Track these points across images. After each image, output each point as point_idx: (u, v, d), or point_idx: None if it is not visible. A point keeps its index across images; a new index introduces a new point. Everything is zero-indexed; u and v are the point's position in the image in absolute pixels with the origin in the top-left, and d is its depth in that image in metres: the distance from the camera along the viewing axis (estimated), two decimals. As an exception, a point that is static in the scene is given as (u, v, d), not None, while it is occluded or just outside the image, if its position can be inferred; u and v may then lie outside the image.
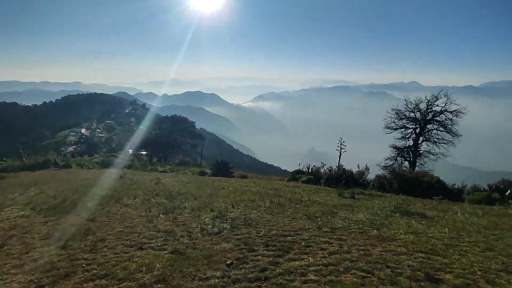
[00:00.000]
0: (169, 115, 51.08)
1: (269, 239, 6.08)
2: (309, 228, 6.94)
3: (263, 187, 15.44)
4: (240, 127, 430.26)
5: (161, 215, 8.20)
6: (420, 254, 5.18)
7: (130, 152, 42.75)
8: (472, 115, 25.95)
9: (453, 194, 15.98)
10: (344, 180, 18.11)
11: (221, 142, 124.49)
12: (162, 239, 6.17)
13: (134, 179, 16.08)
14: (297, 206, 10.00)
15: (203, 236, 6.33)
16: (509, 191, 14.81)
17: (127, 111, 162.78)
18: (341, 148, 30.43)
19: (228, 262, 4.92)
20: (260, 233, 6.47)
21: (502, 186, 15.30)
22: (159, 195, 11.25)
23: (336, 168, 20.41)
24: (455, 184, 18.42)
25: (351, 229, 7.01)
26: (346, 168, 20.13)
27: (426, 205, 12.14)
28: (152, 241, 6.07)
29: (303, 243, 5.81)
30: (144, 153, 43.44)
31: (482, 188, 15.93)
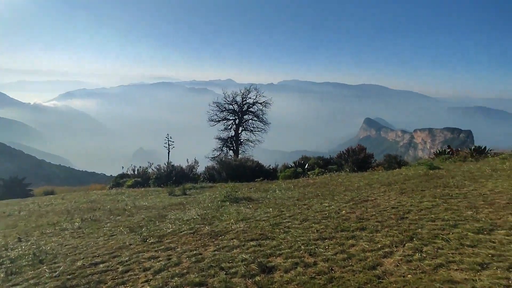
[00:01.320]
0: None
1: (69, 276, 4.36)
2: (130, 244, 5.60)
3: (75, 202, 12.43)
4: (43, 132, 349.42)
5: None
6: (251, 243, 4.97)
7: None
8: (274, 106, 31.02)
9: (270, 174, 18.28)
10: (174, 177, 17.29)
11: (17, 153, 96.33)
12: None
13: None
14: (119, 217, 8.30)
15: None
16: (307, 165, 18.41)
17: None
18: (169, 145, 29.47)
19: None
20: (56, 271, 4.60)
21: (302, 162, 18.82)
22: None
23: (165, 166, 19.29)
24: (270, 165, 21.24)
25: (182, 231, 6.20)
26: (175, 165, 19.37)
27: (251, 188, 13.06)
28: None
29: (120, 268, 4.48)
30: None
31: (290, 165, 19.06)
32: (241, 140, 29.80)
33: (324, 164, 18.91)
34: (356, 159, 18.02)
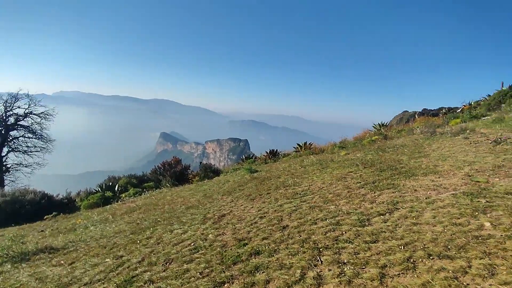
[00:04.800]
0: None
1: None
2: None
3: None
4: None
5: None
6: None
7: None
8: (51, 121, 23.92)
9: (66, 206, 13.83)
10: None
11: None
12: None
13: None
14: None
15: None
16: (117, 186, 15.30)
17: None
18: None
19: None
20: None
21: (111, 183, 15.48)
22: None
23: None
24: (59, 194, 16.33)
25: None
26: None
27: (43, 231, 9.07)
28: None
29: None
30: None
31: (93, 190, 15.19)
32: (9, 166, 21.44)
33: (138, 183, 16.47)
34: (174, 173, 16.90)
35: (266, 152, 19.40)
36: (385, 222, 4.19)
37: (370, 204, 5.06)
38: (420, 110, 28.95)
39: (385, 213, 4.51)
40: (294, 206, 5.77)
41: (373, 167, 8.03)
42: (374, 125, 22.01)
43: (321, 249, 3.69)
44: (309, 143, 18.98)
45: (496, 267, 2.74)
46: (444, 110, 25.81)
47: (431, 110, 28.10)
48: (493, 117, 13.37)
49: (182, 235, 5.45)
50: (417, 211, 4.37)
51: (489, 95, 19.70)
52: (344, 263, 3.28)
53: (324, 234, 4.14)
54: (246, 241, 4.44)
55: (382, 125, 21.83)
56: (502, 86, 18.93)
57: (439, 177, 6.08)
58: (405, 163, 7.99)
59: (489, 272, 2.68)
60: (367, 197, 5.51)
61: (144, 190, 14.38)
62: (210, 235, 5.07)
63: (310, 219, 4.81)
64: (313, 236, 4.13)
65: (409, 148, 10.45)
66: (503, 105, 16.25)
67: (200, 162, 18.66)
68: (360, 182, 6.64)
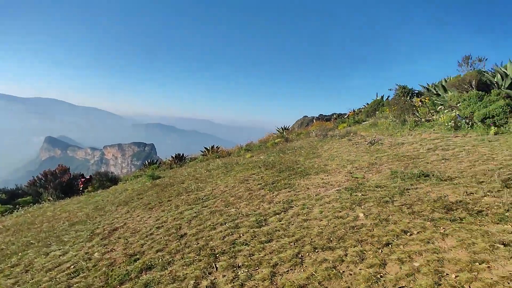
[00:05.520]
0: None
1: None
2: None
3: None
4: None
5: None
6: None
7: None
8: None
9: None
10: None
11: None
12: None
13: None
14: None
15: None
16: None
17: None
18: None
19: None
20: None
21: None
22: None
23: None
24: None
25: None
26: None
27: None
28: None
29: None
30: None
31: None
32: None
33: (10, 198, 13.55)
34: (60, 183, 14.56)
35: (172, 156, 18.56)
36: (280, 221, 4.38)
37: (268, 205, 5.25)
38: (317, 116, 32.42)
39: (281, 212, 4.74)
40: (195, 212, 5.57)
41: (273, 169, 8.46)
42: (277, 129, 23.49)
43: (217, 255, 3.61)
44: (217, 147, 18.96)
45: (366, 252, 3.12)
46: (335, 116, 29.44)
47: (326, 115, 31.76)
48: (370, 122, 15.83)
49: (61, 257, 4.64)
50: (307, 208, 4.72)
51: (368, 103, 23.32)
52: (239, 267, 3.26)
53: (222, 239, 4.07)
54: (138, 256, 4.03)
55: (285, 128, 23.46)
56: (377, 96, 22.67)
57: (328, 175, 6.77)
58: (301, 163, 8.67)
59: (360, 258, 3.03)
60: (266, 197, 5.71)
61: (18, 206, 11.92)
62: (96, 254, 4.44)
63: (210, 225, 4.69)
64: (211, 242, 4.01)
65: (306, 149, 11.43)
66: (377, 112, 19.43)
67: (82, 174, 16.62)
68: (261, 184, 6.88)
